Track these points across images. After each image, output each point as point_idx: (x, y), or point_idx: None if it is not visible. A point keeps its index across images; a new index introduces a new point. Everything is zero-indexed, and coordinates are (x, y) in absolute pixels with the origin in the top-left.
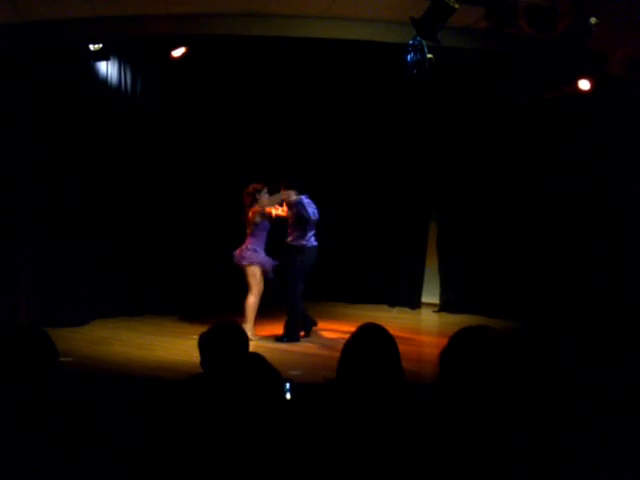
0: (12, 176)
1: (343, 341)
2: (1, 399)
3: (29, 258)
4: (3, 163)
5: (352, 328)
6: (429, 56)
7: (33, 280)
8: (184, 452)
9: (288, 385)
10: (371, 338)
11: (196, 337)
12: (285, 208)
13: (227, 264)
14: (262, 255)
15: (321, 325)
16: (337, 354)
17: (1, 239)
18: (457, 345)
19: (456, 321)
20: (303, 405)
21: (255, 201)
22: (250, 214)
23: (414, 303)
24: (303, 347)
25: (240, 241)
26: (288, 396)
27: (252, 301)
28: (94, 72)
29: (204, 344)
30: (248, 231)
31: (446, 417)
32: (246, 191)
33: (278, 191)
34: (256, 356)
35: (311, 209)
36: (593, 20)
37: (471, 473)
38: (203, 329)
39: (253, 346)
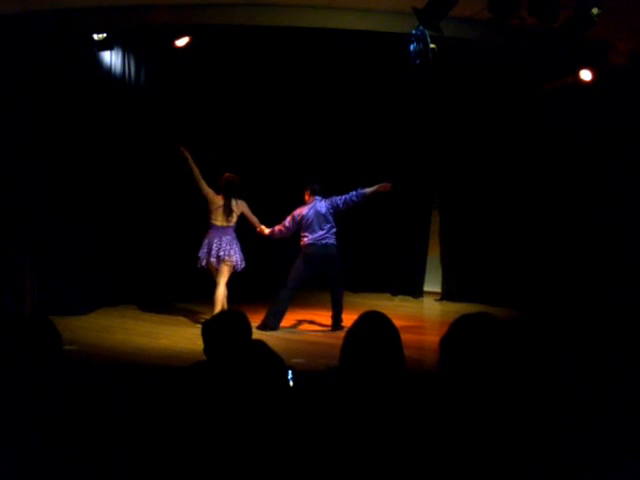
0: (14, 166)
1: (345, 329)
2: (6, 387)
3: (34, 247)
4: (4, 152)
5: (354, 316)
6: (432, 46)
7: (38, 269)
8: (188, 439)
9: (290, 372)
10: (373, 326)
11: (200, 325)
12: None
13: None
14: (206, 249)
15: (323, 314)
16: (339, 342)
17: (5, 229)
18: (457, 331)
19: (458, 309)
20: (306, 393)
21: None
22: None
23: (416, 292)
24: (305, 335)
25: (244, 233)
26: (291, 384)
27: (218, 290)
28: (98, 62)
29: (208, 332)
30: None
31: (446, 404)
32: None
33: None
34: (259, 343)
35: (306, 210)
36: (595, 10)
37: (471, 461)
38: (207, 317)
39: (258, 334)
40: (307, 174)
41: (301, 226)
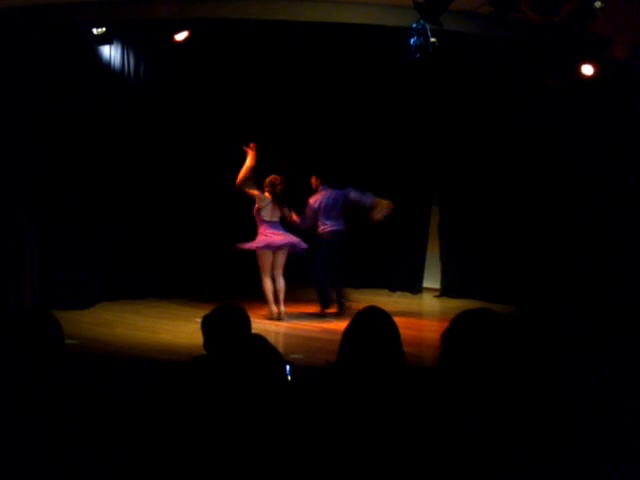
0: (15, 160)
1: (344, 325)
2: (8, 380)
3: (35, 241)
4: (5, 146)
5: (353, 312)
6: (432, 40)
7: (39, 263)
8: (187, 433)
9: (288, 368)
10: (372, 321)
11: (199, 320)
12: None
13: (230, 248)
14: (266, 238)
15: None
16: (338, 338)
17: (7, 223)
18: (459, 326)
19: (457, 306)
20: (304, 388)
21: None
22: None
23: (415, 288)
24: (304, 331)
25: (244, 224)
26: (288, 379)
27: (263, 283)
28: (97, 56)
29: (207, 326)
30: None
31: (446, 399)
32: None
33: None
34: (258, 338)
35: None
36: (598, 4)
37: (470, 456)
38: (206, 312)
39: (258, 330)
40: (307, 167)
41: (315, 215)
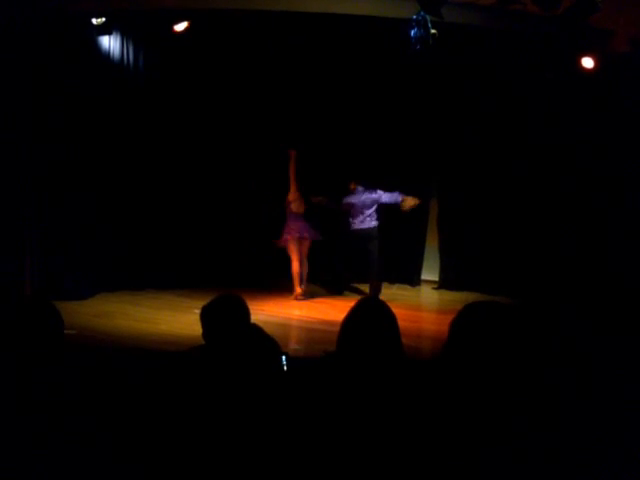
0: (15, 148)
1: (343, 316)
2: (7, 370)
3: (34, 232)
4: (5, 133)
5: (352, 303)
6: (433, 32)
7: (38, 253)
8: (186, 422)
9: (284, 358)
10: (371, 312)
11: (198, 311)
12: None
13: (229, 240)
14: (289, 230)
15: (321, 300)
16: (337, 329)
17: (7, 213)
18: (468, 318)
19: (455, 298)
20: (302, 379)
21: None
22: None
23: (414, 280)
24: (303, 321)
25: (241, 216)
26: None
27: (292, 268)
28: (96, 46)
29: (206, 317)
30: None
31: (447, 390)
32: None
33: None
34: (255, 328)
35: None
36: None
37: (468, 451)
38: (205, 303)
39: (258, 320)
40: (307, 159)
41: (349, 211)
